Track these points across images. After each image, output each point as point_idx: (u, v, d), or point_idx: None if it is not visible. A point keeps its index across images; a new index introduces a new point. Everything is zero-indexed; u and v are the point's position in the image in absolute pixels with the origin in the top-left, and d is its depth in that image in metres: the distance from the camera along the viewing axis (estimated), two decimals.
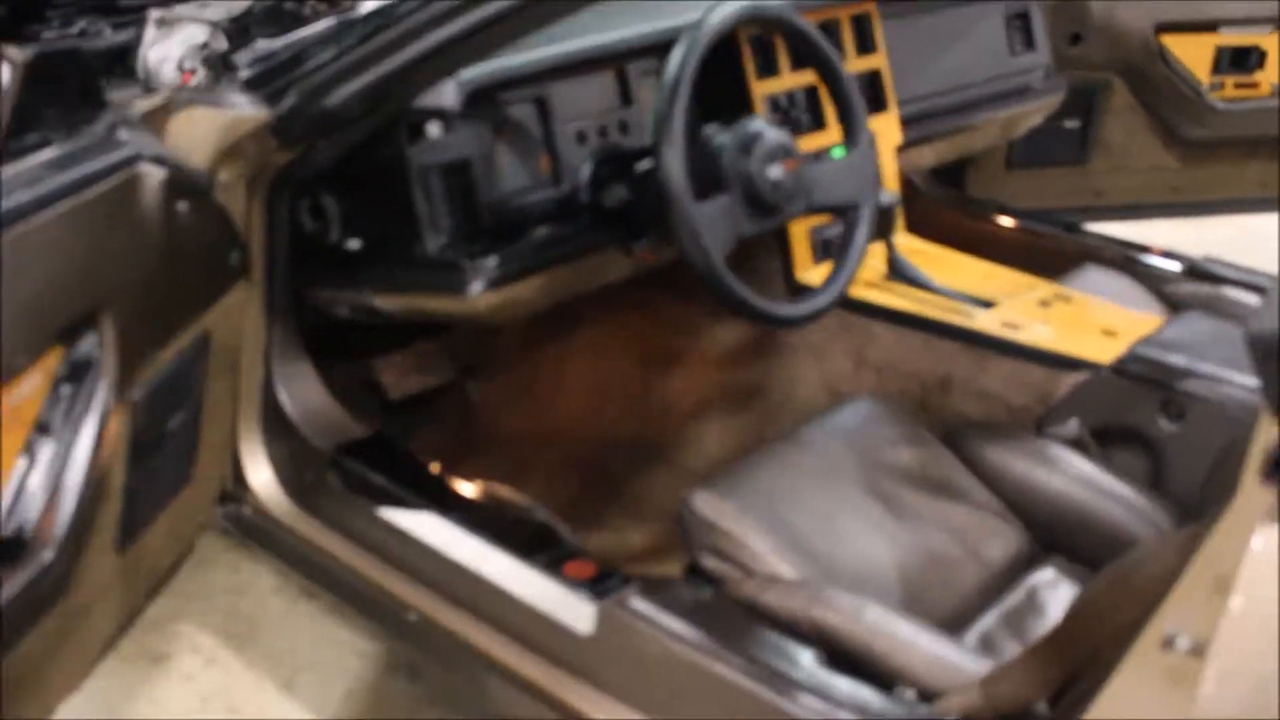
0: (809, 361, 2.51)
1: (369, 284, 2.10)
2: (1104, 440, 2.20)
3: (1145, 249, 2.85)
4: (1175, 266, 2.81)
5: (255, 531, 2.26)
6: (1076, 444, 2.18)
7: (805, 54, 2.17)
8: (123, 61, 2.16)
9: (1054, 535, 2.07)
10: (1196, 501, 2.02)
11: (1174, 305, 2.66)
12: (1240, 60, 3.05)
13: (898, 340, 2.39)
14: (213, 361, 1.97)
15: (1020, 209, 3.06)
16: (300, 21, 2.28)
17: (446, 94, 1.90)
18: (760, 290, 2.02)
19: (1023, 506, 2.09)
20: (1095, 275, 2.75)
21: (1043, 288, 2.46)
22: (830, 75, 2.16)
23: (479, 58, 1.89)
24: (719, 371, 2.68)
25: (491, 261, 1.99)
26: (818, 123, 2.50)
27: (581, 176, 2.18)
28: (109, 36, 2.22)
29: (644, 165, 2.07)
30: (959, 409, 2.34)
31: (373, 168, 2.01)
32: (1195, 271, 2.77)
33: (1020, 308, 2.37)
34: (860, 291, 2.42)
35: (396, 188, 1.99)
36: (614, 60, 2.23)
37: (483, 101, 2.04)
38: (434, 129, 1.96)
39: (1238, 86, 3.06)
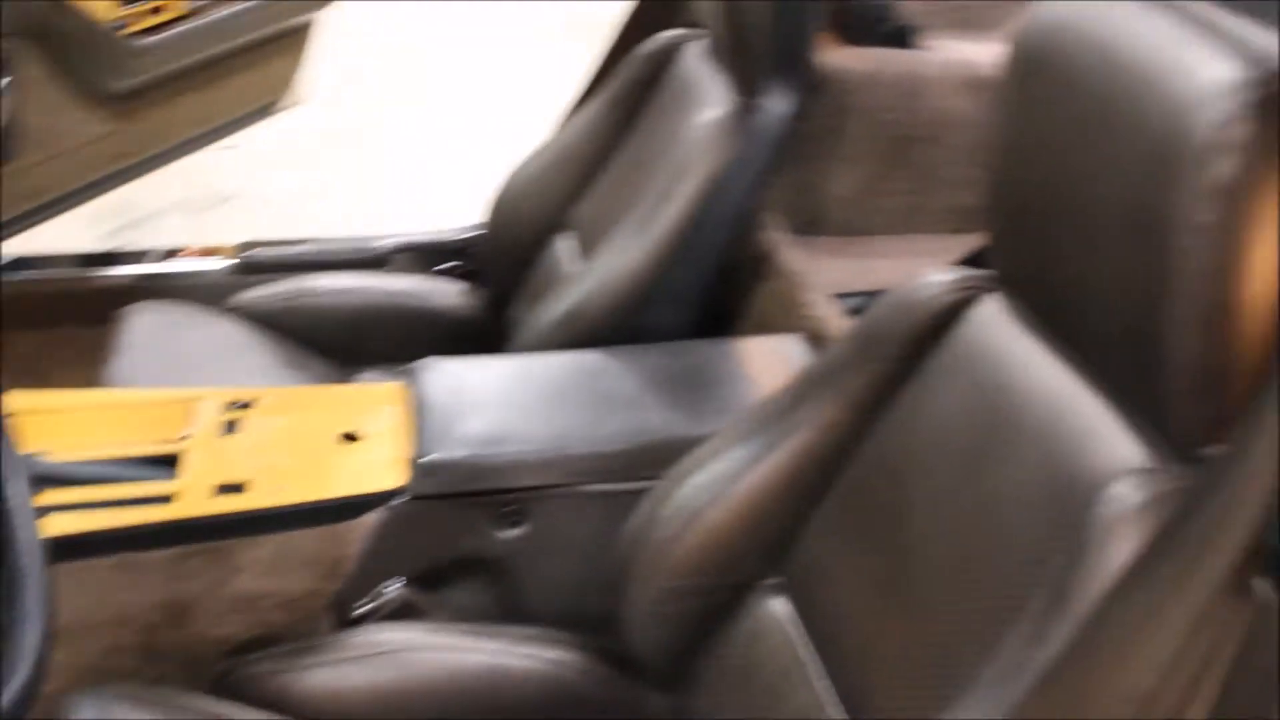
0: None
1: None
2: (440, 585, 1.62)
3: (175, 252, 2.17)
4: (221, 265, 2.18)
5: None
6: (403, 612, 1.58)
7: None
8: None
9: None
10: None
11: (283, 329, 2.07)
12: None
13: (82, 579, 1.50)
14: None
15: None
16: None
17: None
18: None
19: None
20: (157, 315, 2.04)
21: (208, 400, 1.70)
22: None
23: None
24: None
25: None
26: None
27: None
28: None
29: None
30: (218, 633, 1.56)
31: None
32: (254, 267, 2.17)
33: (212, 451, 1.61)
34: None
35: None
36: None
37: None
38: None
39: (146, 15, 2.37)
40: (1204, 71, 0.90)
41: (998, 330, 1.19)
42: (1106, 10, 1.04)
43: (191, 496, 1.54)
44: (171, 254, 2.20)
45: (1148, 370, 0.97)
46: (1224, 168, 0.87)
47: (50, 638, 1.08)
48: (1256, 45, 0.91)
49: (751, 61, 1.84)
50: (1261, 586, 0.79)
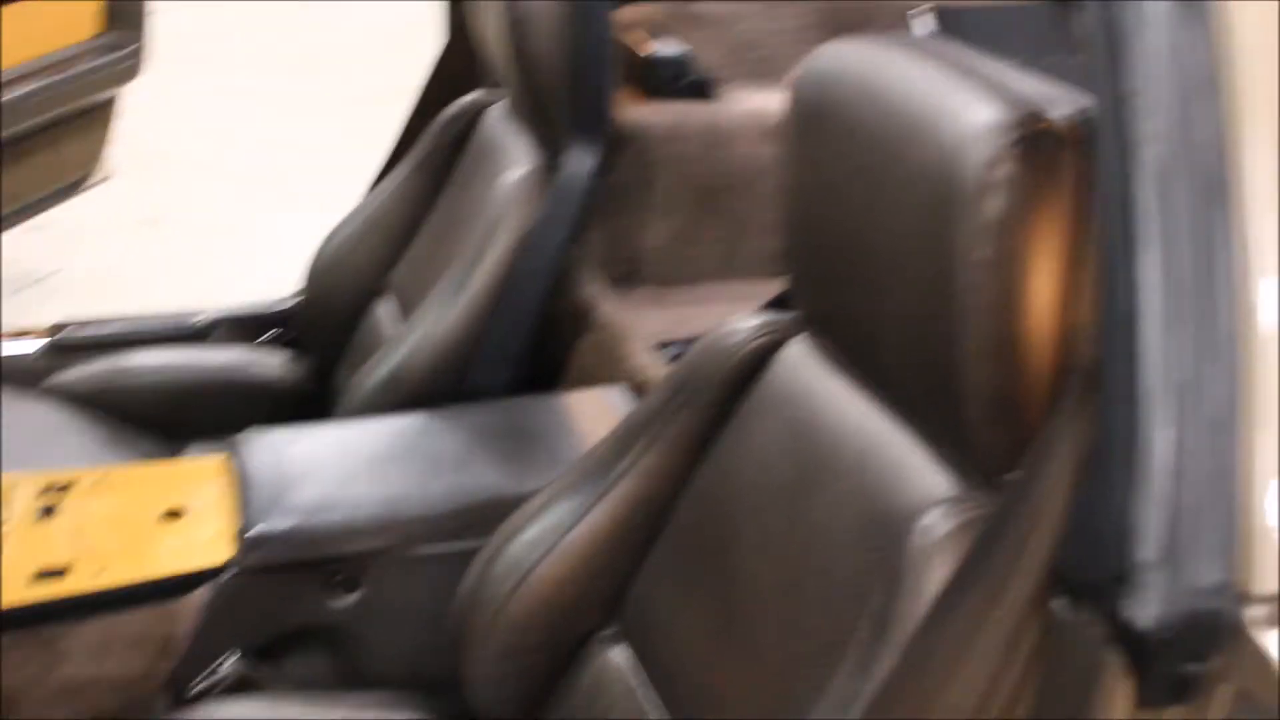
0: None
1: None
2: (278, 656, 1.61)
3: None
4: (34, 347, 2.14)
5: None
6: (242, 686, 1.57)
7: None
8: None
9: None
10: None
11: (103, 409, 2.03)
12: None
13: None
14: None
15: None
16: None
17: None
18: None
19: None
20: None
21: (22, 485, 1.66)
22: None
23: None
24: None
25: None
26: None
27: None
28: None
29: None
30: None
31: None
32: (69, 347, 2.13)
33: (29, 537, 1.57)
34: None
35: None
36: None
37: None
38: None
39: None
40: (970, 115, 0.95)
41: (806, 371, 1.23)
42: (877, 58, 1.10)
43: (9, 584, 1.50)
44: None
45: (947, 402, 1.01)
46: (994, 205, 0.92)
47: None
48: (1017, 89, 0.96)
49: (552, 120, 1.88)
50: (1059, 605, 0.83)
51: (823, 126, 1.13)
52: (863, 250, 1.08)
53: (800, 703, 1.08)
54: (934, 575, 0.98)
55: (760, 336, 1.29)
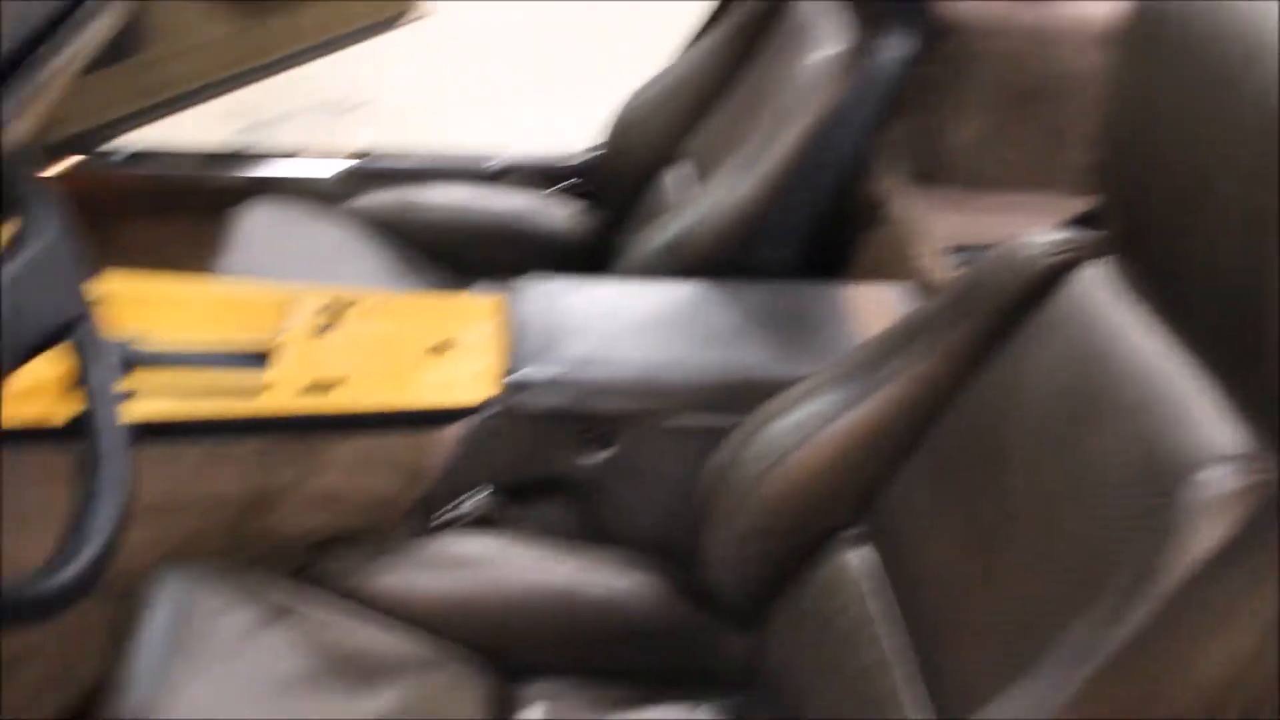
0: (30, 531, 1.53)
1: None
2: (523, 500, 1.63)
3: (294, 154, 2.20)
4: (337, 169, 2.20)
5: None
6: (485, 522, 1.60)
7: None
8: None
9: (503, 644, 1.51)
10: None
11: (399, 235, 2.10)
12: None
13: (173, 462, 1.53)
14: None
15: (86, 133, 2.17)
16: None
17: None
18: None
19: (442, 628, 1.49)
20: (274, 212, 2.07)
21: (307, 298, 1.71)
22: None
23: None
24: None
25: None
26: None
27: None
28: None
29: None
30: (301, 526, 1.58)
31: None
32: (370, 174, 2.18)
33: (306, 348, 1.63)
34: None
35: None
36: None
37: None
38: None
39: None
40: None
41: (1101, 296, 1.15)
42: None
43: (281, 392, 1.56)
44: (290, 155, 2.22)
45: (1253, 350, 0.93)
46: None
47: (124, 518, 1.11)
48: None
49: (870, 1, 1.80)
50: None
51: (1160, 38, 1.03)
52: (1185, 174, 0.99)
53: (1042, 636, 1.03)
54: (1207, 534, 0.90)
55: (1058, 253, 1.21)
